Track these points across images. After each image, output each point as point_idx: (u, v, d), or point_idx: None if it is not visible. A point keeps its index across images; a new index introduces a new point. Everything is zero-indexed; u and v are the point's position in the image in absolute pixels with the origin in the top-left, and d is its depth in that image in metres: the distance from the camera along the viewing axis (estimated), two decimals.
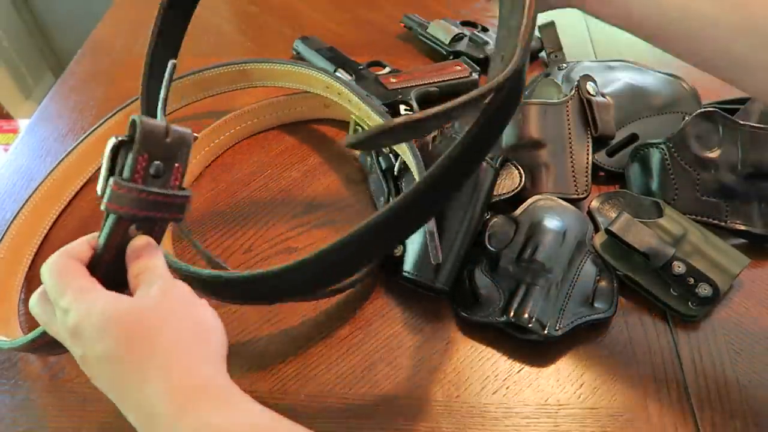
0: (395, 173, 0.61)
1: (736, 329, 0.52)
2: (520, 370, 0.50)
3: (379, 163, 0.62)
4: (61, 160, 0.64)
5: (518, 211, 0.58)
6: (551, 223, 0.55)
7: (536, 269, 0.52)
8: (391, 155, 0.62)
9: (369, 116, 0.62)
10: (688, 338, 0.52)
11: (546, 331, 0.49)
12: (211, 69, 0.68)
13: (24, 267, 0.59)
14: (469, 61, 0.75)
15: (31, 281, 0.59)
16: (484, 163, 0.57)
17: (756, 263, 0.56)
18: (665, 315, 0.53)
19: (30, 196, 0.61)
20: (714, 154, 0.57)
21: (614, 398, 0.48)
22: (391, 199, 0.60)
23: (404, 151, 0.60)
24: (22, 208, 0.60)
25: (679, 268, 0.52)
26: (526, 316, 0.49)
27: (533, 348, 0.51)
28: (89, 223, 0.63)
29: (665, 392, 0.48)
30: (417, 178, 0.57)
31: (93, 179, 0.67)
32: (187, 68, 0.69)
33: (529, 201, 0.58)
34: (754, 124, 0.57)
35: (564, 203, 0.58)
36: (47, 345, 0.43)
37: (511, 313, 0.49)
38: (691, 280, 0.52)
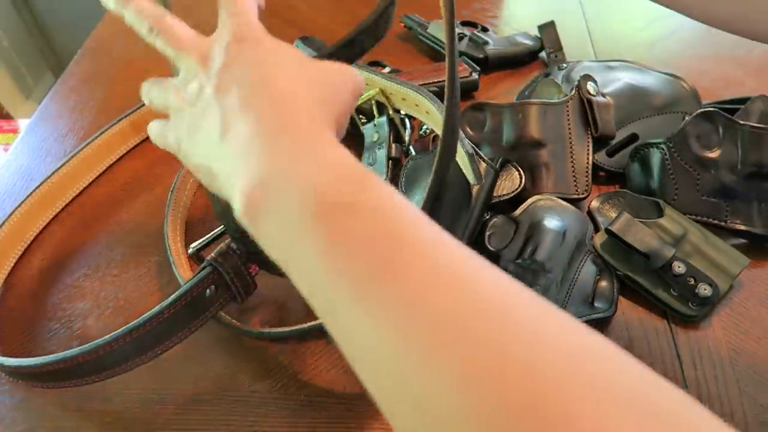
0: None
1: (736, 329, 0.52)
2: None
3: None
4: (62, 164, 0.64)
5: (518, 211, 0.58)
6: (551, 223, 0.55)
7: (536, 269, 0.52)
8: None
9: (384, 85, 0.64)
10: (688, 338, 0.52)
11: None
12: None
13: (5, 271, 0.58)
14: (469, 61, 0.75)
15: (10, 287, 0.57)
16: (484, 164, 0.57)
17: (756, 263, 0.56)
18: (665, 315, 0.53)
19: (25, 199, 0.60)
20: (714, 154, 0.57)
21: None
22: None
23: (421, 102, 0.60)
24: (16, 209, 0.59)
25: (679, 268, 0.52)
26: None
27: None
28: (90, 225, 0.63)
29: None
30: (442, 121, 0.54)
31: (93, 184, 0.67)
32: None
33: (529, 201, 0.58)
34: (754, 124, 0.56)
35: (564, 203, 0.58)
36: (44, 374, 0.45)
37: None
38: (691, 280, 0.52)
